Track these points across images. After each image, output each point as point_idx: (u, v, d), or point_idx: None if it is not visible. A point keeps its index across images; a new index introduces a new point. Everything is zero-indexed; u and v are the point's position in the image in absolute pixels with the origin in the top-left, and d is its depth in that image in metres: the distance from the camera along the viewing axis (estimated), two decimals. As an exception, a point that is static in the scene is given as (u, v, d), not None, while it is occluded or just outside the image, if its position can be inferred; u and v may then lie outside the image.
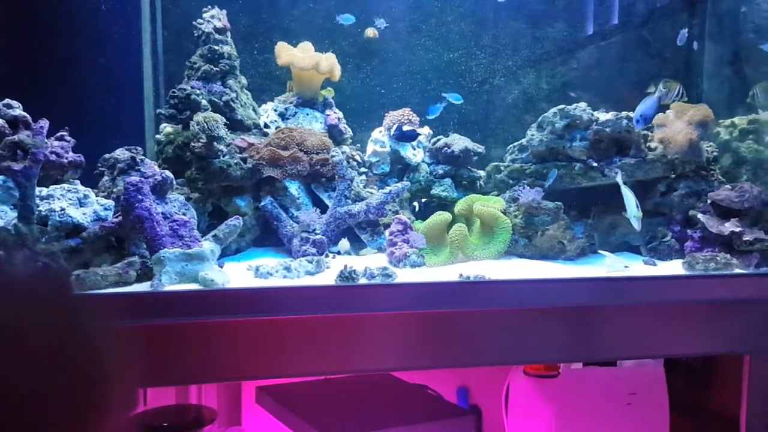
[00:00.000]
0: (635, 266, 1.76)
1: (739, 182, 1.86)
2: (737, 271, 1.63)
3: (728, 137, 2.12)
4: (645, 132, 1.97)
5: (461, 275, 1.51)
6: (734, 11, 2.37)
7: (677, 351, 1.60)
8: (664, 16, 2.46)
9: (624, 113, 1.94)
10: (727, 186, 1.83)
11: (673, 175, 1.96)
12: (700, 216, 1.79)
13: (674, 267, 1.76)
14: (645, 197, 1.98)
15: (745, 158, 2.07)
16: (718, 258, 1.63)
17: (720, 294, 1.52)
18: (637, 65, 2.45)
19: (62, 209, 1.56)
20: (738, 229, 1.69)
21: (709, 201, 1.81)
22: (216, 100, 2.00)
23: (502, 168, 2.06)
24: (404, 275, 1.60)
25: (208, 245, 1.52)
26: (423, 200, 2.09)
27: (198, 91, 1.97)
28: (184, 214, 1.68)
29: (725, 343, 1.51)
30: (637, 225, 1.69)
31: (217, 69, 2.05)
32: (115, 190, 1.72)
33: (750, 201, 1.73)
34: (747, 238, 1.67)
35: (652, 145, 1.96)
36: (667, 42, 2.45)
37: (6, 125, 1.62)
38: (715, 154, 2.03)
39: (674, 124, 1.93)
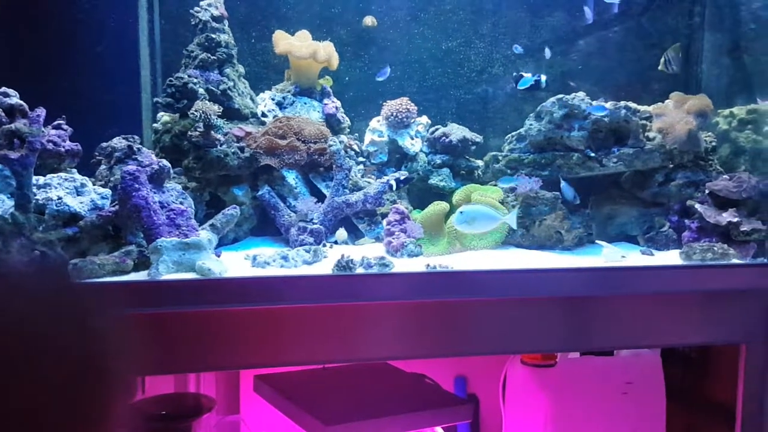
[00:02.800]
0: (632, 256, 1.76)
1: (737, 172, 1.86)
2: (734, 261, 1.63)
3: (727, 127, 2.12)
4: (643, 122, 1.96)
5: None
6: (734, 0, 2.36)
7: (674, 340, 1.61)
8: (664, 5, 2.45)
9: (622, 103, 1.94)
10: (725, 176, 1.83)
11: (671, 165, 1.96)
12: (697, 206, 1.79)
13: (671, 257, 1.76)
14: (643, 187, 1.98)
15: (743, 148, 2.07)
16: (715, 248, 1.63)
17: (717, 284, 1.53)
18: (636, 54, 2.43)
19: (59, 198, 1.56)
20: (735, 219, 1.69)
21: (707, 191, 1.81)
22: (213, 88, 1.99)
23: (500, 158, 2.06)
24: (401, 265, 1.60)
25: (205, 234, 1.52)
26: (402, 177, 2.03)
27: (195, 80, 1.96)
28: (181, 203, 1.68)
29: (722, 332, 1.52)
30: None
31: (215, 57, 2.04)
32: (112, 179, 1.72)
33: (748, 191, 1.73)
34: (744, 228, 1.67)
35: (651, 134, 1.96)
36: (667, 31, 2.43)
37: (3, 114, 1.61)
38: (713, 144, 2.02)
39: (673, 114, 1.92)
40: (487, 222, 1.63)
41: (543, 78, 1.98)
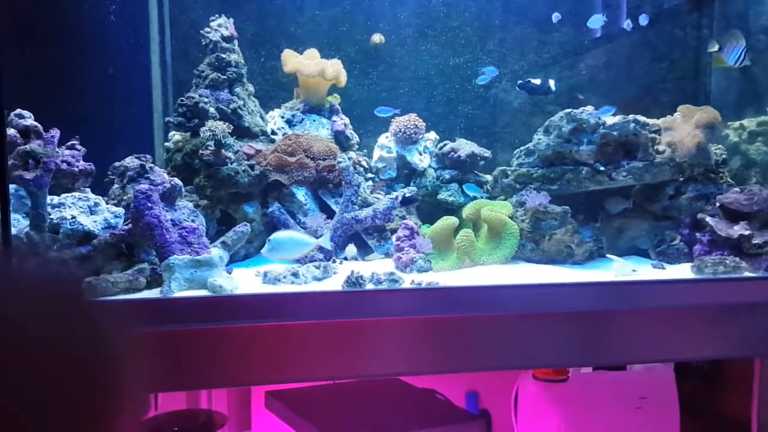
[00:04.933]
0: (644, 270, 1.75)
1: (748, 185, 1.85)
2: (747, 274, 1.62)
3: (737, 139, 2.11)
4: (652, 135, 1.96)
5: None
6: (742, 12, 2.36)
7: (687, 355, 1.60)
8: (672, 18, 2.45)
9: (631, 116, 1.93)
10: (736, 189, 1.82)
11: (681, 179, 1.95)
12: (708, 219, 1.78)
13: (683, 270, 1.75)
14: (653, 200, 1.98)
15: (754, 160, 2.06)
16: (727, 261, 1.62)
17: (729, 297, 1.51)
18: (644, 68, 2.44)
19: (73, 217, 1.58)
20: (747, 232, 1.68)
21: (717, 204, 1.80)
22: (224, 107, 2.02)
23: (509, 172, 2.06)
24: (413, 280, 1.60)
25: (216, 252, 1.53)
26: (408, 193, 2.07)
27: (206, 99, 1.99)
28: (192, 221, 1.70)
29: (735, 347, 1.50)
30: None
31: (225, 77, 2.07)
32: (125, 197, 1.74)
33: (759, 204, 1.72)
34: (756, 241, 1.66)
35: (660, 148, 1.95)
36: (675, 44, 2.44)
37: (18, 135, 1.64)
38: (723, 156, 2.02)
39: (682, 127, 1.92)
40: (297, 248, 1.64)
41: (551, 83, 1.99)
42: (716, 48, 1.92)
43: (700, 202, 1.90)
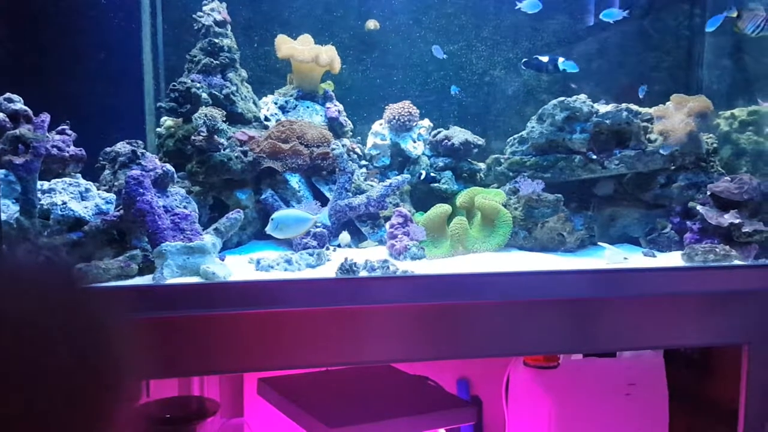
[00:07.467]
0: (635, 258, 1.77)
1: (739, 174, 1.86)
2: (736, 262, 1.64)
3: (728, 129, 2.12)
4: (645, 124, 1.97)
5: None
6: (735, 1, 2.36)
7: (676, 342, 1.61)
8: (665, 7, 2.45)
9: (624, 105, 1.94)
10: (727, 177, 1.83)
11: (672, 167, 1.96)
12: (699, 208, 1.79)
13: (674, 258, 1.77)
14: (645, 189, 1.99)
15: (744, 150, 2.08)
16: (717, 249, 1.64)
17: (719, 285, 1.53)
18: (637, 56, 2.44)
19: (64, 203, 1.57)
20: (737, 221, 1.69)
21: (708, 193, 1.81)
22: (216, 93, 2.00)
23: (502, 160, 2.06)
24: (405, 267, 1.60)
25: (209, 238, 1.52)
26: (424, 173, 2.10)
27: (198, 85, 1.97)
28: (185, 207, 1.69)
29: (724, 334, 1.52)
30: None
31: (218, 62, 2.05)
32: (116, 183, 1.73)
33: (749, 192, 1.74)
34: (746, 230, 1.68)
35: (652, 137, 1.96)
36: (668, 33, 2.44)
37: (7, 119, 1.62)
38: (714, 145, 2.03)
39: (674, 116, 1.93)
40: (299, 224, 1.68)
41: (560, 60, 1.98)
42: (735, 14, 1.89)
43: (691, 190, 1.92)
